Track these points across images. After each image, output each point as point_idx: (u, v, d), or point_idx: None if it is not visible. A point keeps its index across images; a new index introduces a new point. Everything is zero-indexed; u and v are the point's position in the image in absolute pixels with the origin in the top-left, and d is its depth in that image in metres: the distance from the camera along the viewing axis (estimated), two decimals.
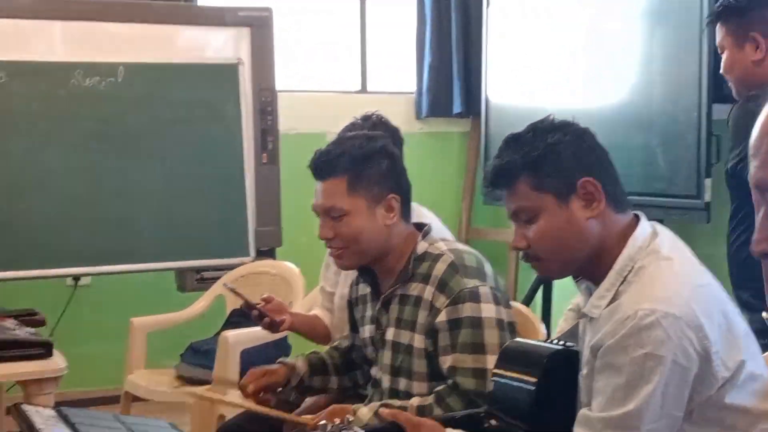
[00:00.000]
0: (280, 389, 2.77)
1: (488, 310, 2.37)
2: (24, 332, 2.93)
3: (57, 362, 2.85)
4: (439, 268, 2.42)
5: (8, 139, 4.66)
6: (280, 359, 2.80)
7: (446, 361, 2.37)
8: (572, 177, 2.05)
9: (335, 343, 2.89)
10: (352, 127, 3.10)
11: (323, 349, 3.58)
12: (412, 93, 6.10)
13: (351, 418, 1.94)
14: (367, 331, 2.64)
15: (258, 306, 2.99)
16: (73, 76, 4.75)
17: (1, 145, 4.64)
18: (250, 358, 3.94)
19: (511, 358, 2.17)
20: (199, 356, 4.19)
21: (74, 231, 4.75)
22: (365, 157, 2.50)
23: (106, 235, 4.80)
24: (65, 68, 4.75)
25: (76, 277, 5.11)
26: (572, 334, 2.17)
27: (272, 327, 3.02)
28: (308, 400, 3.06)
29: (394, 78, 6.20)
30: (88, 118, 4.80)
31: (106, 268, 4.85)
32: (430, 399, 2.35)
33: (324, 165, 2.49)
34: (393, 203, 2.51)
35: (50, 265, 4.73)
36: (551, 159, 2.05)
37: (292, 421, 2.45)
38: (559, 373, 2.09)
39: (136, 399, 4.19)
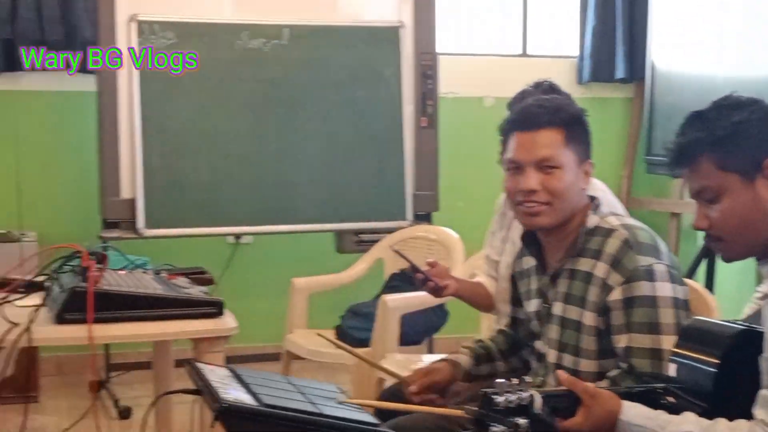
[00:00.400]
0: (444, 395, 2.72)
1: (664, 289, 2.30)
2: (196, 291, 2.99)
3: (228, 321, 2.90)
4: (612, 244, 2.36)
5: (177, 99, 4.78)
6: (443, 357, 2.75)
7: (620, 341, 2.31)
8: (758, 156, 1.98)
9: (498, 327, 2.86)
10: (522, 94, 3.05)
11: (486, 316, 3.59)
12: (573, 57, 5.98)
13: (528, 379, 1.93)
14: (532, 305, 2.59)
15: (423, 270, 2.98)
16: (239, 38, 4.84)
17: (170, 106, 4.76)
18: (409, 322, 3.98)
19: (693, 337, 2.11)
20: (358, 319, 4.23)
21: (237, 191, 4.86)
22: (578, 116, 2.47)
23: (267, 196, 4.90)
24: (232, 30, 4.84)
25: (238, 236, 5.22)
26: (756, 318, 2.10)
27: (436, 292, 3.01)
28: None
29: (556, 41, 6.09)
30: (253, 79, 4.88)
31: (267, 228, 4.95)
32: (603, 384, 2.29)
33: (541, 115, 2.43)
34: (589, 168, 2.47)
35: (213, 224, 4.86)
36: (737, 138, 1.99)
37: (448, 414, 2.42)
38: (742, 354, 2.02)
39: (296, 357, 4.26)
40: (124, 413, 4.58)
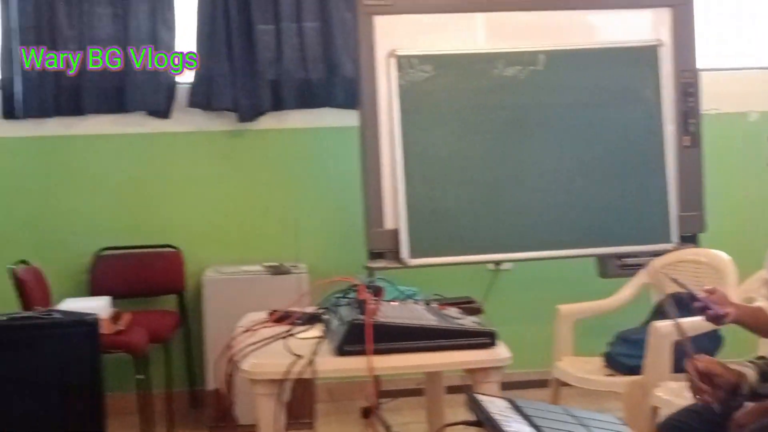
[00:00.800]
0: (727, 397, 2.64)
1: None
2: (468, 321, 3.04)
3: (501, 352, 2.92)
4: None
5: (436, 129, 4.86)
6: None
7: None
8: None
9: None
10: None
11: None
12: None
13: None
14: None
15: (702, 297, 2.89)
16: (495, 66, 4.87)
17: (430, 135, 4.85)
18: (682, 349, 3.85)
19: None
20: (627, 345, 4.14)
21: (497, 218, 4.88)
22: None
23: (527, 222, 4.89)
24: (488, 59, 4.88)
25: (498, 263, 5.24)
26: None
27: (716, 320, 2.92)
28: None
29: None
30: (509, 106, 4.90)
31: (527, 254, 4.93)
32: None
33: None
34: None
35: (475, 252, 4.89)
36: None
37: None
38: None
39: (563, 384, 4.23)
40: None
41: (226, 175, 5.42)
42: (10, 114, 5.21)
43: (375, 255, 4.86)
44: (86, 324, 4.15)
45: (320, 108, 5.33)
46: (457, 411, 3.64)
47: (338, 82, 5.27)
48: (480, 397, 2.50)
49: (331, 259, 5.29)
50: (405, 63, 4.80)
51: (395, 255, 4.82)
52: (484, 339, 2.94)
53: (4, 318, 4.22)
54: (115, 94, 5.21)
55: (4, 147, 5.25)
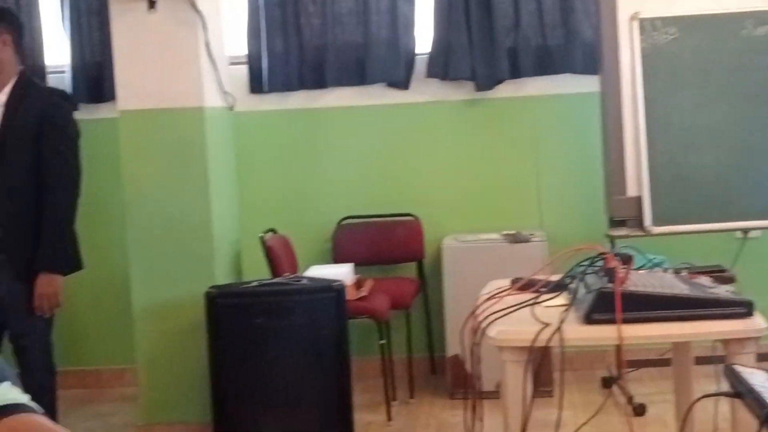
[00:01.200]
0: None
1: None
2: (722, 290, 2.94)
3: (758, 322, 2.81)
4: None
5: (680, 93, 4.72)
6: None
7: None
8: None
9: None
10: None
11: None
12: None
13: None
14: None
15: None
16: (744, 26, 4.67)
17: (674, 100, 4.71)
18: None
19: None
20: None
21: (746, 184, 4.69)
22: None
23: None
24: (736, 19, 4.68)
25: (746, 231, 5.04)
26: None
27: None
28: None
29: None
30: (760, 67, 4.69)
31: None
32: None
33: None
34: None
35: (722, 219, 4.72)
36: None
37: None
38: None
39: None
40: (639, 410, 4.59)
41: (465, 144, 5.46)
42: (257, 89, 5.44)
43: (616, 223, 4.77)
44: (333, 290, 4.30)
45: (559, 74, 5.28)
46: (703, 382, 3.55)
47: (577, 48, 5.21)
48: (739, 368, 2.42)
49: (570, 227, 5.25)
50: (648, 26, 4.68)
51: (637, 222, 4.71)
52: (740, 309, 2.83)
53: (255, 283, 4.43)
54: (356, 66, 5.35)
55: (252, 121, 5.47)
